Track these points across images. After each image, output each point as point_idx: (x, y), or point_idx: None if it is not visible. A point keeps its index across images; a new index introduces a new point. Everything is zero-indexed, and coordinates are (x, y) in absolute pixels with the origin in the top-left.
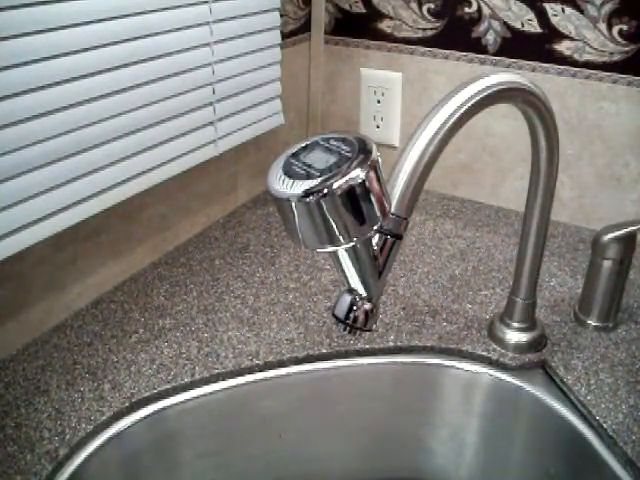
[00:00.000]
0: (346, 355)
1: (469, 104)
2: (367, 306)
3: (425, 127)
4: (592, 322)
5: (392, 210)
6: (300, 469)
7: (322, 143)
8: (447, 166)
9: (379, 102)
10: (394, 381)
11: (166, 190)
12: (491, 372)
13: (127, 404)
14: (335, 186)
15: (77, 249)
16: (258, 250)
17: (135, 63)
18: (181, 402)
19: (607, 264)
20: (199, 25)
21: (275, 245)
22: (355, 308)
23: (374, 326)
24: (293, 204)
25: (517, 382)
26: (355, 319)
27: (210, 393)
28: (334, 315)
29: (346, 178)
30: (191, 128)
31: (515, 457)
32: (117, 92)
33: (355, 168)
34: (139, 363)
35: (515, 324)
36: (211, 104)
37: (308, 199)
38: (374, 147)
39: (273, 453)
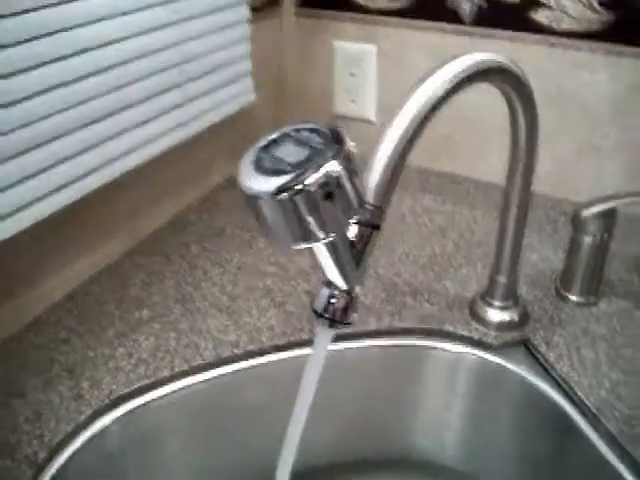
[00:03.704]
0: None
1: (445, 88)
2: (346, 299)
3: (399, 114)
4: (574, 297)
5: (369, 199)
6: None
7: (293, 135)
8: (426, 139)
9: (353, 76)
10: (377, 364)
11: (138, 176)
12: (474, 352)
13: (106, 402)
14: (308, 181)
15: (49, 242)
16: (235, 233)
17: (94, 49)
18: (161, 397)
19: (588, 240)
20: (162, 4)
21: (252, 228)
22: (334, 301)
23: (354, 318)
24: (266, 201)
25: (500, 361)
26: (334, 312)
27: (191, 385)
28: (313, 310)
29: (320, 173)
30: (159, 112)
31: (500, 436)
32: (76, 80)
33: (328, 161)
34: (117, 358)
35: (497, 303)
36: (179, 86)
37: (281, 196)
38: (347, 137)
39: (259, 442)
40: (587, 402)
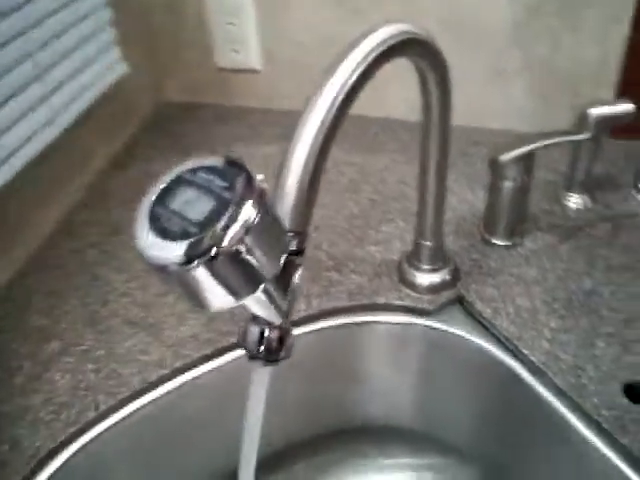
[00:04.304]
0: None
1: (357, 75)
2: (278, 333)
3: (308, 119)
4: (499, 241)
5: (288, 226)
6: None
7: (188, 178)
8: (316, 80)
9: (232, 24)
10: (317, 349)
11: (15, 184)
12: (410, 320)
13: (33, 464)
14: (225, 241)
15: None
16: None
17: None
18: (91, 441)
19: (508, 185)
20: None
21: None
22: (266, 337)
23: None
24: (175, 272)
25: (439, 325)
26: (269, 350)
27: (121, 421)
28: (246, 350)
29: (236, 226)
30: (21, 114)
31: (451, 395)
32: None
33: (241, 208)
34: (34, 408)
35: (425, 266)
36: (38, 79)
37: (194, 264)
38: (252, 170)
39: (211, 451)
40: (531, 357)
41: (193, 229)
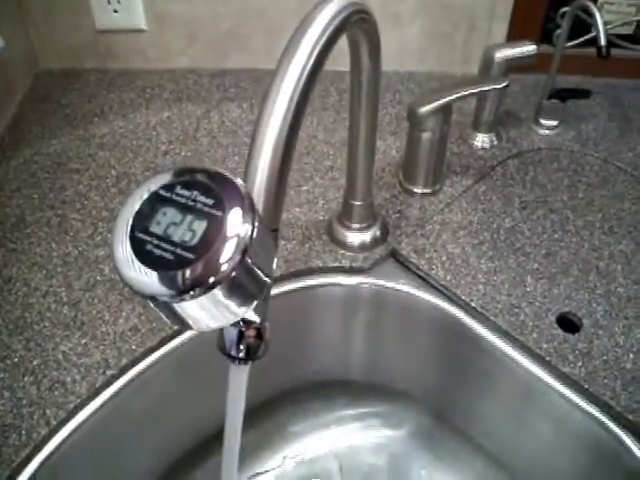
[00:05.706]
0: None
1: (316, 57)
2: (255, 330)
3: (271, 113)
4: (419, 190)
5: None
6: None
7: (167, 196)
8: (210, 38)
9: None
10: None
11: None
12: (349, 279)
13: None
14: (225, 266)
15: None
16: (39, 219)
17: None
18: (48, 458)
19: (427, 136)
20: None
21: (55, 204)
22: (246, 335)
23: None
24: (174, 304)
25: (377, 281)
26: (248, 349)
27: (78, 427)
28: (225, 353)
29: (231, 246)
30: None
31: (396, 348)
32: None
33: (237, 228)
34: None
35: (356, 225)
36: None
37: (192, 293)
38: (235, 178)
39: (168, 439)
40: (472, 303)
41: (186, 254)
